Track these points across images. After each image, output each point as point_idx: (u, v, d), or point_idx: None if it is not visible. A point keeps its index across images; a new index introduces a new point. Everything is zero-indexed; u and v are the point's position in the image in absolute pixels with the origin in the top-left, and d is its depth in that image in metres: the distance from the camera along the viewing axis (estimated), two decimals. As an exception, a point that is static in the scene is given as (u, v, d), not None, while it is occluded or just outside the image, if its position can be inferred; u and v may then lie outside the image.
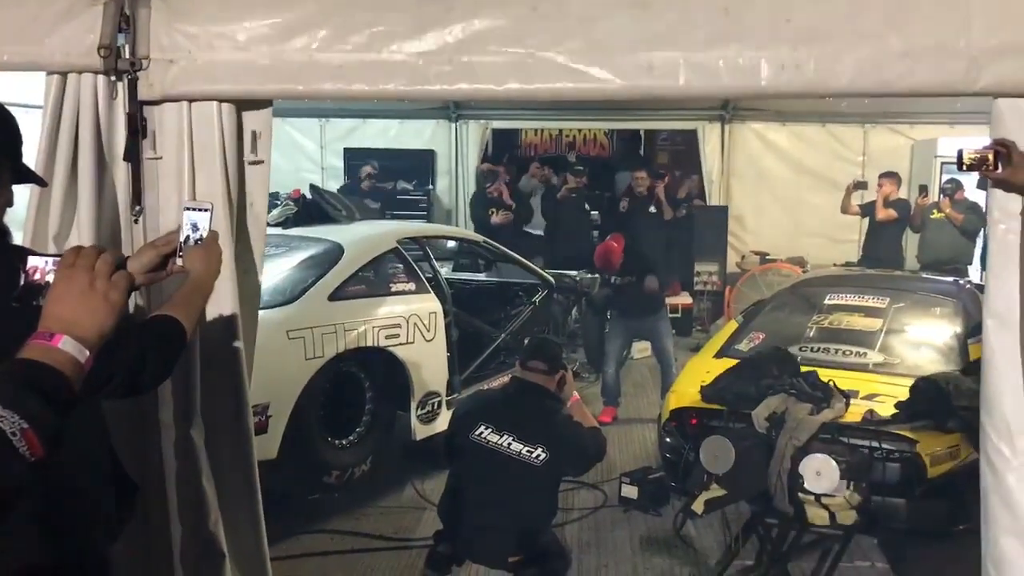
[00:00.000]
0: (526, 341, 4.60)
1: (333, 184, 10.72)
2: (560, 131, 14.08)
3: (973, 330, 4.75)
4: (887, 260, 8.43)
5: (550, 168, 11.14)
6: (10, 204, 1.95)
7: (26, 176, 2.00)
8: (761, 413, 4.10)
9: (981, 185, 6.97)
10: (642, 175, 10.01)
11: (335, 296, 4.81)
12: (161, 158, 2.78)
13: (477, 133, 11.54)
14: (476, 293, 6.93)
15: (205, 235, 2.12)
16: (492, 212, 9.80)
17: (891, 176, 8.97)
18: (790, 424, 3.97)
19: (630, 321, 6.93)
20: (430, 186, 11.46)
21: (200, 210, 2.14)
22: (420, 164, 11.46)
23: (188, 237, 2.11)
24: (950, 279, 6.45)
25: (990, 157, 2.44)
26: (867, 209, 9.06)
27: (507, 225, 9.76)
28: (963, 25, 2.51)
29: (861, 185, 9.22)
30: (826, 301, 5.67)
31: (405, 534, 4.68)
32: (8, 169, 1.91)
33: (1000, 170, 2.43)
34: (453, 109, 11.24)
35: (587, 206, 10.28)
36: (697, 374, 4.96)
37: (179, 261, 2.08)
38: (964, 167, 2.49)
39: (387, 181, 11.00)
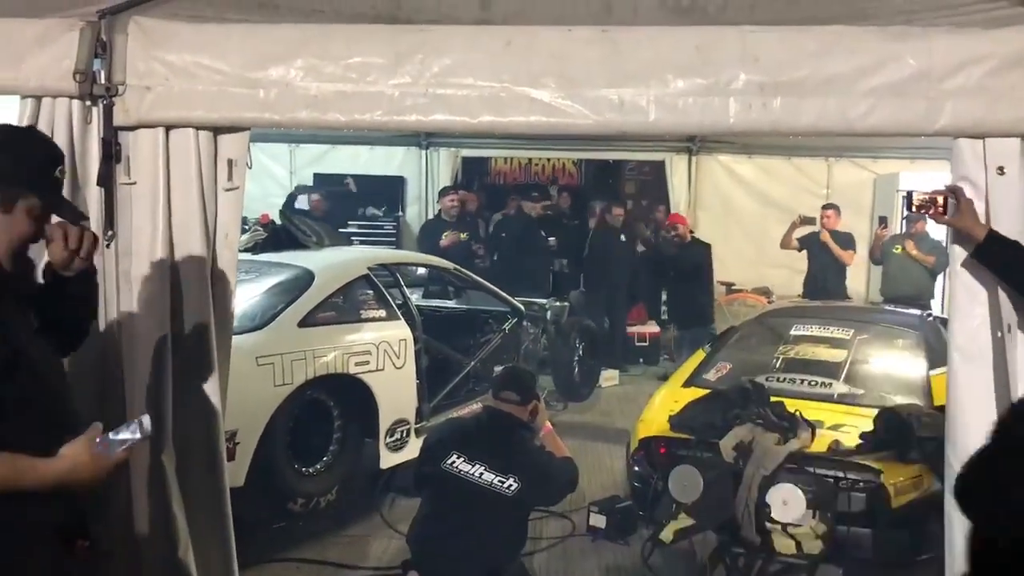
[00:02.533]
0: (497, 370, 4.60)
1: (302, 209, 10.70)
2: (530, 160, 14.20)
3: (936, 362, 4.85)
4: (831, 292, 8.45)
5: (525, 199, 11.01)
6: (34, 239, 1.97)
7: (57, 207, 2.01)
8: (729, 443, 4.14)
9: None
10: (619, 211, 10.04)
11: (305, 322, 4.80)
12: (135, 183, 2.78)
13: (447, 161, 11.59)
14: (446, 320, 6.93)
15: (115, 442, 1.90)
16: (444, 236, 9.12)
17: (834, 208, 9.04)
18: (757, 454, 4.02)
19: None
20: (399, 213, 11.47)
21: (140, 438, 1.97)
22: (390, 191, 11.46)
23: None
24: (913, 311, 6.57)
25: (939, 200, 2.53)
26: (805, 242, 9.06)
27: (457, 247, 9.01)
28: (924, 67, 2.61)
29: (808, 220, 9.20)
30: (792, 332, 5.75)
31: (372, 563, 4.65)
32: (35, 200, 1.92)
33: (947, 214, 2.52)
34: (423, 137, 11.28)
35: (543, 232, 10.12)
36: (665, 403, 5.00)
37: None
38: (913, 208, 2.59)
39: (357, 207, 10.99)
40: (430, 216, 10.76)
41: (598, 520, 4.95)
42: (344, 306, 5.15)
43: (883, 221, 9.26)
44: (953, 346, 2.72)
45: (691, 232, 8.82)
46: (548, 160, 14.25)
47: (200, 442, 2.78)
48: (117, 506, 2.76)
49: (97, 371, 2.75)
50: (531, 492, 3.52)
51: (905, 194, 2.64)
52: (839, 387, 5.08)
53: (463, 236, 9.23)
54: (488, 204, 11.44)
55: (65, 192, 2.69)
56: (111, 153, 2.76)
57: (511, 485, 3.44)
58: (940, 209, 2.54)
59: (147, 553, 2.74)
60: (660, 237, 9.48)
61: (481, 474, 3.47)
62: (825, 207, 9.05)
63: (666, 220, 9.44)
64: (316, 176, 11.48)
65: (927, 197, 2.56)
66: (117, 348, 2.77)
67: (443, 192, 9.99)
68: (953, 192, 2.52)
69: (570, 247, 10.26)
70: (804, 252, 9.05)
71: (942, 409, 3.07)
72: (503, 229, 10.14)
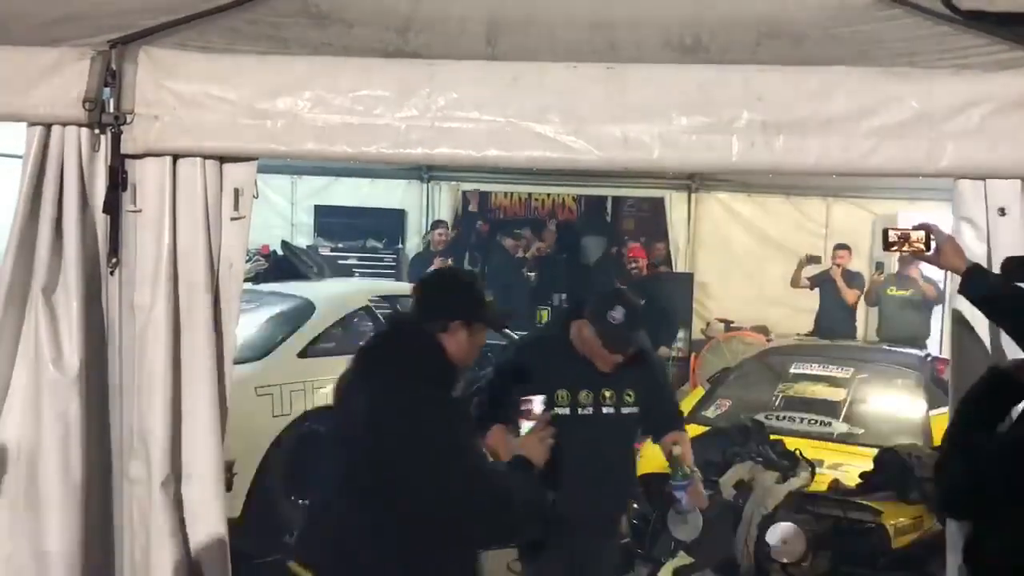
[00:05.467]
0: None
1: (303, 241, 10.73)
2: (530, 195, 14.25)
3: (936, 402, 4.85)
4: (841, 331, 8.54)
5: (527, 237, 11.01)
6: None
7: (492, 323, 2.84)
8: (728, 480, 4.13)
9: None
10: (640, 251, 9.95)
11: (305, 353, 4.80)
12: (141, 211, 2.79)
13: (449, 194, 11.65)
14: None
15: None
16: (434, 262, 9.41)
17: (846, 248, 9.14)
18: (757, 492, 4.01)
19: None
20: (399, 245, 11.50)
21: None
22: (390, 223, 11.51)
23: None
24: (913, 351, 6.58)
25: (914, 236, 2.51)
26: (817, 280, 9.18)
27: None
28: (926, 108, 2.64)
29: (814, 259, 9.33)
30: (791, 370, 5.75)
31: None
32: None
33: (929, 252, 2.51)
34: (425, 170, 11.34)
35: (524, 269, 10.25)
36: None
37: None
38: (888, 247, 2.56)
39: (356, 239, 11.03)
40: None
41: (596, 557, 4.90)
42: (344, 337, 5.16)
43: (880, 267, 9.36)
44: (953, 387, 2.72)
45: (653, 265, 9.25)
46: (548, 195, 14.30)
47: (201, 472, 2.76)
48: (112, 537, 2.74)
49: (100, 397, 2.74)
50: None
51: (881, 231, 2.60)
52: (839, 426, 5.07)
53: (449, 262, 9.54)
54: (489, 237, 11.47)
55: (70, 218, 2.73)
56: (118, 181, 2.77)
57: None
58: (917, 246, 2.51)
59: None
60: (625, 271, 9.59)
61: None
62: (837, 247, 9.18)
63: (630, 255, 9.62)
64: (317, 208, 11.54)
65: (900, 233, 2.54)
66: (120, 375, 2.76)
67: (434, 226, 10.20)
68: (927, 228, 2.52)
69: (565, 282, 10.27)
70: (816, 291, 9.15)
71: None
72: (487, 266, 10.27)
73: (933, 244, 2.50)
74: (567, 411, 3.29)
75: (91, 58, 2.78)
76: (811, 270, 9.24)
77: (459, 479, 2.32)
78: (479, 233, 11.28)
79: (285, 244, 7.03)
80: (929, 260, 2.54)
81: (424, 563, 2.36)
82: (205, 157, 2.77)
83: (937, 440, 4.50)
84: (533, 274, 10.11)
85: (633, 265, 8.68)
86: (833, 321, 8.86)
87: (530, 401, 2.76)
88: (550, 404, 3.02)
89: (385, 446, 2.35)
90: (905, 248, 2.55)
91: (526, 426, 2.71)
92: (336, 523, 2.47)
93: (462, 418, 2.59)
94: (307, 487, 4.88)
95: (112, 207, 2.77)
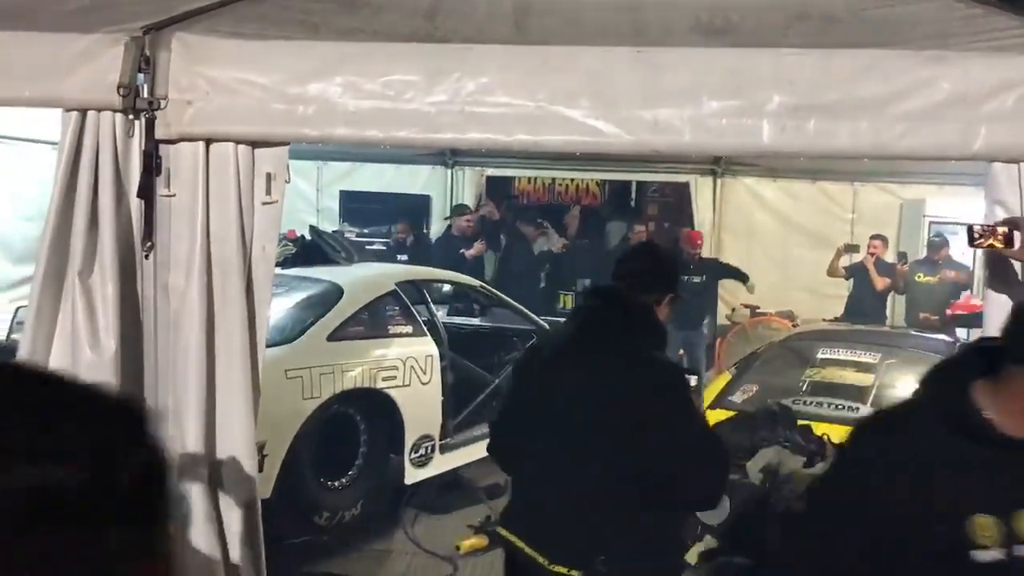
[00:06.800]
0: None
1: (328, 226, 10.78)
2: (553, 180, 14.22)
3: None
4: (871, 319, 8.60)
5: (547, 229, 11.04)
6: None
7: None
8: (756, 465, 4.12)
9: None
10: (641, 229, 10.10)
11: (334, 337, 4.84)
12: (175, 195, 2.83)
13: (472, 179, 11.65)
14: (471, 337, 6.95)
15: None
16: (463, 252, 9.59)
17: (882, 239, 9.16)
18: (784, 477, 4.00)
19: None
20: (424, 230, 11.53)
21: None
22: (415, 208, 11.54)
23: None
24: (941, 337, 6.53)
25: (999, 231, 2.52)
26: (852, 271, 9.24)
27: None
28: (959, 91, 2.61)
29: (852, 248, 9.36)
30: (818, 355, 5.73)
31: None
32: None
33: (1015, 247, 2.50)
34: (449, 155, 11.35)
35: (546, 264, 10.35)
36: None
37: None
38: (972, 242, 2.57)
39: (382, 224, 11.08)
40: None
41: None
42: (372, 321, 5.19)
43: (903, 257, 9.37)
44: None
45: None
46: (572, 181, 14.27)
47: (234, 453, 2.80)
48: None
49: (135, 379, 2.79)
50: None
51: (967, 228, 2.62)
52: (866, 412, 5.05)
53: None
54: (511, 222, 11.48)
55: (106, 203, 2.77)
56: (152, 166, 2.81)
57: None
58: (1001, 240, 2.52)
59: (180, 563, 2.77)
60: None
61: None
62: (873, 237, 9.24)
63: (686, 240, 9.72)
64: (342, 193, 11.58)
65: (988, 228, 2.55)
66: (155, 357, 2.81)
67: (458, 211, 10.21)
68: (1015, 224, 2.51)
69: (589, 267, 10.28)
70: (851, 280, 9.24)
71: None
72: (505, 255, 10.30)
73: (1018, 238, 2.49)
74: None
75: (125, 44, 2.81)
76: (848, 259, 9.29)
77: (692, 439, 2.47)
78: (495, 220, 11.31)
79: (313, 229, 7.08)
80: (1014, 256, 2.54)
81: (639, 526, 2.48)
82: (238, 142, 2.80)
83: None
84: (548, 264, 10.18)
85: (693, 251, 9.02)
86: (864, 308, 8.93)
87: None
88: None
89: (617, 413, 2.47)
90: (988, 243, 2.55)
91: None
92: (549, 494, 2.58)
93: (688, 383, 2.70)
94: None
95: (146, 191, 2.81)
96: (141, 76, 2.81)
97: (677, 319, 8.60)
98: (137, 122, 2.82)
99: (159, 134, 2.81)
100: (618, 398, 2.49)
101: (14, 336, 6.14)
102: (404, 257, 9.90)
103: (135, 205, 2.83)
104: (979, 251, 2.65)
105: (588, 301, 2.94)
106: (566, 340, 2.79)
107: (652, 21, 3.05)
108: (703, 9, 3.03)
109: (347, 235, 10.26)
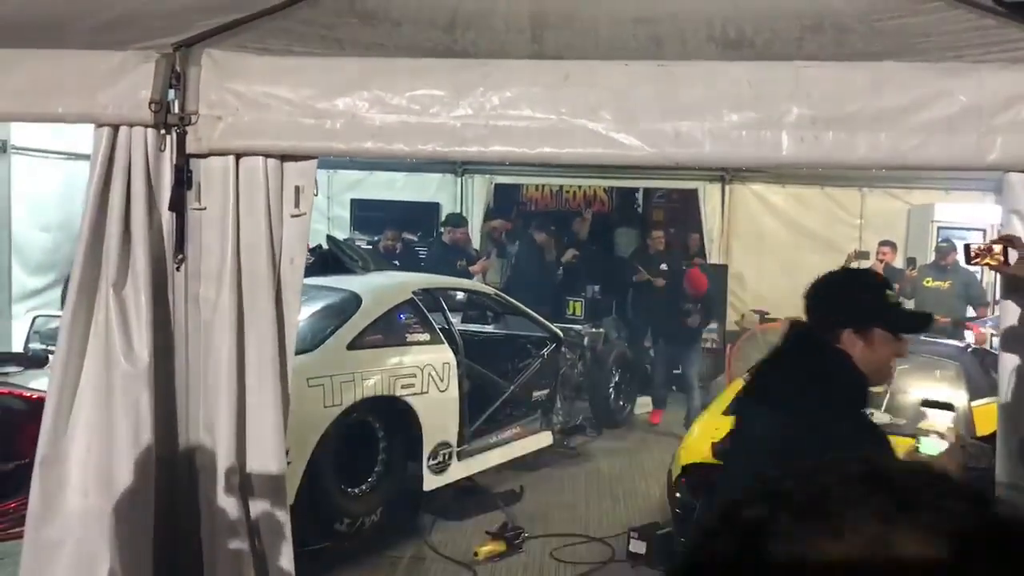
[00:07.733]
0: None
1: (340, 234, 10.85)
2: (561, 187, 14.29)
3: (976, 393, 4.85)
4: None
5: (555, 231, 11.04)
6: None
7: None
8: (771, 470, 4.16)
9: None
10: (659, 234, 10.08)
11: (354, 345, 4.89)
12: (205, 208, 2.90)
13: (482, 187, 11.73)
14: (485, 345, 7.00)
15: None
16: (461, 263, 9.41)
17: (891, 245, 9.20)
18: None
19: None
20: (432, 238, 11.59)
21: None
22: (425, 216, 11.61)
23: None
24: (952, 343, 6.55)
25: (995, 249, 2.58)
26: None
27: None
28: (975, 102, 2.66)
29: (862, 255, 9.37)
30: (831, 361, 5.76)
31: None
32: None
33: (1009, 263, 2.56)
34: (459, 164, 11.42)
35: (558, 271, 10.35)
36: (707, 430, 5.02)
37: None
38: (969, 260, 2.63)
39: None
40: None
41: (638, 546, 4.96)
42: (390, 329, 5.24)
43: (912, 263, 9.39)
44: (1003, 376, 2.76)
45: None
46: (579, 187, 14.33)
47: (264, 460, 2.86)
48: (182, 520, 2.85)
49: (168, 388, 2.85)
50: None
51: (963, 246, 2.68)
52: (881, 416, 5.08)
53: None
54: (521, 229, 11.53)
55: (138, 216, 2.84)
56: (183, 179, 2.88)
57: None
58: (999, 258, 2.58)
59: (211, 567, 2.83)
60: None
61: None
62: (882, 243, 9.24)
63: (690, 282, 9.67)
64: (353, 202, 11.66)
65: (983, 247, 2.62)
66: (187, 366, 2.87)
67: (452, 221, 10.20)
68: (1010, 241, 2.57)
69: (599, 273, 10.33)
70: None
71: (984, 440, 3.09)
72: (517, 260, 10.34)
73: (1012, 255, 2.55)
74: None
75: (156, 61, 2.88)
76: (857, 265, 9.30)
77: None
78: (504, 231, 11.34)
79: (330, 238, 7.15)
80: (1010, 273, 2.60)
81: None
82: (267, 156, 2.87)
83: (979, 430, 4.52)
84: (560, 270, 10.21)
85: (697, 293, 9.19)
86: None
87: None
88: None
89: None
90: (985, 261, 2.61)
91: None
92: None
93: (880, 440, 2.13)
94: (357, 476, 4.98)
95: (178, 205, 2.88)
96: (172, 92, 2.88)
97: (670, 335, 8.77)
98: (168, 137, 2.89)
99: (190, 148, 2.88)
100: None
101: (31, 345, 6.23)
102: (396, 263, 9.90)
103: (167, 218, 2.89)
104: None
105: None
106: (760, 382, 2.48)
107: (667, 33, 3.12)
108: (716, 21, 3.10)
109: (358, 243, 10.33)
